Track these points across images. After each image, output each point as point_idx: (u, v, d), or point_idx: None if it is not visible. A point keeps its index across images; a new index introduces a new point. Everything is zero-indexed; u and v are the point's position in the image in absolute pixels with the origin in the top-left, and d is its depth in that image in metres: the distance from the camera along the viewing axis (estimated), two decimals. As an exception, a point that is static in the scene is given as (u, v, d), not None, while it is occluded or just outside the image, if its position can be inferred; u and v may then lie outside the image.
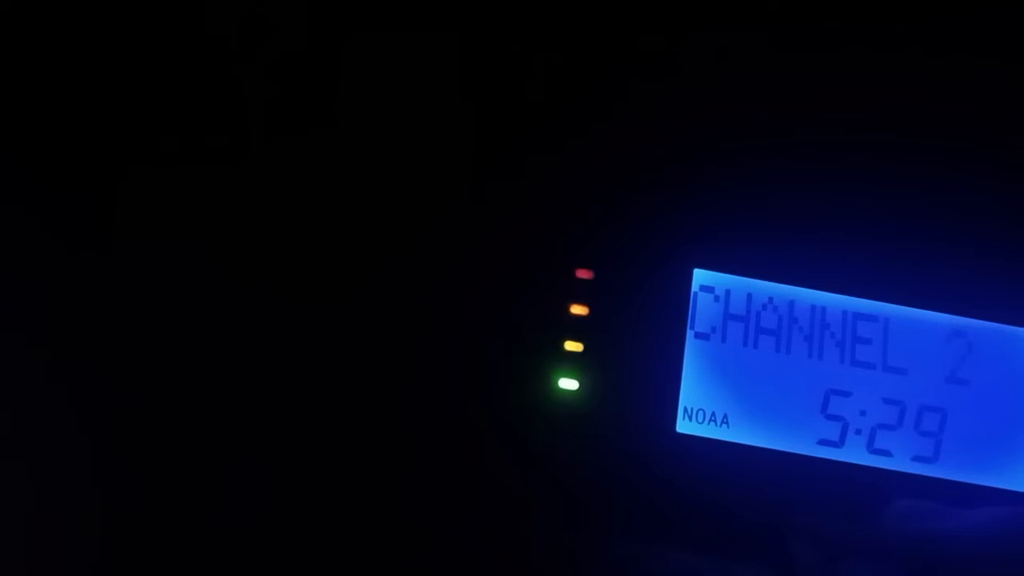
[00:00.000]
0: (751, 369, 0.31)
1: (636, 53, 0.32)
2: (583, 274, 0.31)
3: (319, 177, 0.30)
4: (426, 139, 0.31)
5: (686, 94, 0.32)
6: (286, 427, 0.29)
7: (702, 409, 0.30)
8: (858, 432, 0.30)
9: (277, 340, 0.29)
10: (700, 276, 0.31)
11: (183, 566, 0.28)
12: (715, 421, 0.30)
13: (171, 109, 0.30)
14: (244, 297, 0.30)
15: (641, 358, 0.31)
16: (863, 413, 0.30)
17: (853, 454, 0.30)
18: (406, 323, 0.30)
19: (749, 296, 0.31)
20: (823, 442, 0.30)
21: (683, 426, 0.30)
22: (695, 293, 0.31)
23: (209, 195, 0.30)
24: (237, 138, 0.30)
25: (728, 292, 0.31)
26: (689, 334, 0.31)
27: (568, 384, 0.30)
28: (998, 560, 0.27)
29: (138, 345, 0.29)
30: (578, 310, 0.31)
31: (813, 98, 0.31)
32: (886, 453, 0.30)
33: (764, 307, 0.31)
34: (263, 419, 0.29)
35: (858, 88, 0.31)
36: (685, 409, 0.30)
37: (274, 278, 0.30)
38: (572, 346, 0.31)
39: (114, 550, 0.28)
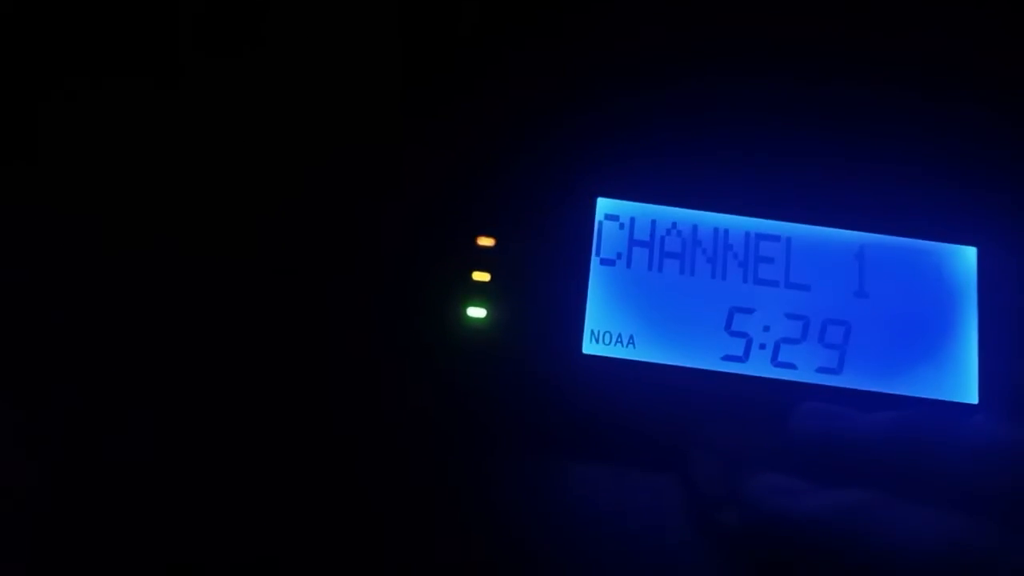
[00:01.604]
0: (656, 292, 0.32)
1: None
2: (489, 207, 0.32)
3: (239, 101, 0.32)
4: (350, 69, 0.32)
5: (581, 24, 0.33)
6: (203, 354, 0.30)
7: (608, 332, 0.31)
8: (762, 347, 0.31)
9: (194, 266, 0.30)
10: (604, 205, 0.32)
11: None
12: (621, 342, 0.31)
13: (99, 27, 0.32)
14: (163, 218, 0.31)
15: (547, 286, 0.31)
16: (767, 329, 0.31)
17: (758, 367, 0.31)
18: (317, 255, 0.31)
19: (653, 222, 0.32)
20: (728, 357, 0.31)
21: (589, 347, 0.31)
22: (600, 222, 0.32)
23: (134, 114, 0.31)
24: (165, 58, 0.31)
25: (632, 219, 0.32)
26: (594, 260, 0.32)
27: (476, 312, 0.31)
28: (896, 460, 0.28)
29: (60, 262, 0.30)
30: (485, 242, 0.32)
31: (705, 19, 0.32)
32: (790, 366, 0.31)
33: (668, 232, 0.32)
34: (185, 341, 0.30)
35: (752, 8, 0.32)
36: (592, 332, 0.31)
37: (193, 202, 0.31)
38: (480, 276, 0.31)
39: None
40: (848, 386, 0.31)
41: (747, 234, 0.32)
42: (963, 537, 0.24)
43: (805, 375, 0.31)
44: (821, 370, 0.31)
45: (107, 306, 0.31)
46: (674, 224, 0.32)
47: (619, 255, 0.32)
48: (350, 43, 0.33)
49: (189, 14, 0.33)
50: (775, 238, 0.32)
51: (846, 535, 0.25)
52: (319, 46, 0.33)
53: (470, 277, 0.31)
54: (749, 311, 0.31)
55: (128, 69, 0.32)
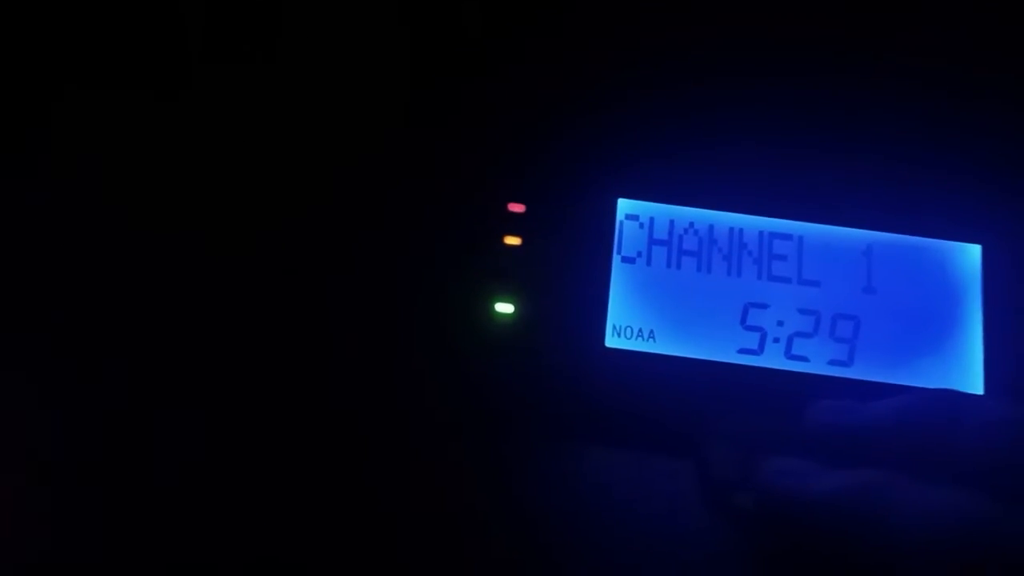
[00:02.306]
0: (675, 288, 0.33)
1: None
2: (516, 208, 0.34)
3: (255, 107, 0.33)
4: (361, 73, 0.34)
5: (604, 31, 0.34)
6: (228, 352, 0.32)
7: (629, 326, 0.33)
8: (776, 340, 0.33)
9: (216, 265, 0.32)
10: (624, 205, 0.34)
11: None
12: (642, 336, 0.33)
13: (111, 36, 0.33)
14: (182, 224, 0.32)
15: (572, 283, 0.33)
16: (780, 323, 0.33)
17: (772, 360, 0.32)
18: (348, 256, 0.33)
19: (671, 222, 0.34)
20: (743, 351, 0.33)
21: (612, 341, 0.33)
22: (620, 221, 0.34)
23: (145, 121, 0.33)
24: (176, 66, 0.33)
25: (652, 219, 0.34)
26: (616, 259, 0.33)
27: (505, 308, 0.33)
28: (902, 446, 0.29)
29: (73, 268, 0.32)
30: (512, 241, 0.33)
31: (717, 24, 0.34)
32: (803, 359, 0.32)
33: (686, 231, 0.34)
34: (202, 341, 0.32)
35: (761, 10, 0.34)
36: (614, 326, 0.33)
37: (215, 203, 0.33)
38: (507, 273, 0.33)
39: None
40: (858, 377, 0.32)
41: (761, 233, 0.33)
42: (970, 513, 0.25)
43: (817, 367, 0.32)
44: (832, 362, 0.32)
45: (123, 305, 0.32)
46: (691, 224, 0.34)
47: (639, 253, 0.33)
48: (362, 41, 0.34)
49: (198, 22, 0.34)
50: (787, 236, 0.33)
51: (856, 515, 0.26)
52: (330, 45, 0.34)
53: (497, 273, 0.33)
54: (763, 306, 0.33)
55: (136, 76, 0.33)
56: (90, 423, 0.31)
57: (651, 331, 0.33)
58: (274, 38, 0.34)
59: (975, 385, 0.32)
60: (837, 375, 0.32)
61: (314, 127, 0.34)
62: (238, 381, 0.32)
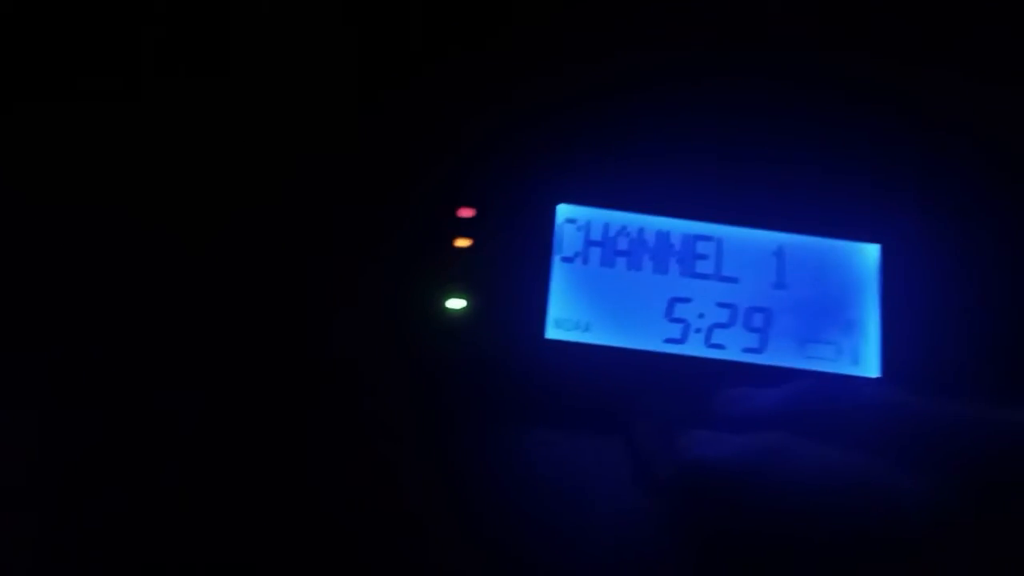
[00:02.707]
0: (609, 285, 0.37)
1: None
2: (465, 212, 0.37)
3: (205, 115, 0.36)
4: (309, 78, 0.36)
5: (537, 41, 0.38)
6: (182, 348, 0.35)
7: (568, 319, 0.37)
8: (697, 331, 0.37)
9: (168, 273, 0.35)
10: (564, 210, 0.37)
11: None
12: (579, 328, 0.37)
13: (60, 47, 0.35)
14: (137, 234, 0.35)
15: (516, 281, 0.37)
16: (701, 315, 0.37)
17: (693, 348, 0.36)
18: (301, 257, 0.36)
19: (606, 225, 0.37)
20: (668, 340, 0.37)
21: (552, 333, 0.36)
22: (560, 225, 0.37)
23: (95, 132, 0.35)
24: (126, 77, 0.35)
25: (589, 223, 0.38)
26: (556, 258, 0.37)
27: (456, 304, 0.37)
28: (805, 424, 0.33)
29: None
30: (462, 243, 0.37)
31: (643, 41, 0.37)
32: (721, 347, 0.37)
33: (619, 233, 0.37)
34: (155, 343, 0.34)
35: (685, 26, 0.37)
36: (554, 319, 0.37)
37: (165, 211, 0.35)
38: (457, 273, 0.37)
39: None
40: (769, 363, 0.36)
41: (685, 235, 0.37)
42: (860, 471, 0.29)
43: (733, 355, 0.36)
44: (747, 350, 0.37)
45: (63, 312, 0.35)
46: (624, 226, 0.37)
47: (577, 253, 0.37)
48: (310, 51, 0.37)
49: (151, 35, 0.36)
50: (708, 238, 0.37)
51: (759, 472, 0.29)
52: (277, 55, 0.37)
53: (448, 274, 0.37)
54: (686, 300, 0.37)
55: (86, 87, 0.35)
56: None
57: (587, 323, 0.37)
58: (225, 49, 0.36)
59: (872, 370, 0.37)
60: (750, 361, 0.36)
61: (262, 135, 0.36)
62: (194, 379, 0.34)
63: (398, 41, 0.37)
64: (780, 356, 0.37)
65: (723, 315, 0.37)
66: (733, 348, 0.37)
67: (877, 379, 0.36)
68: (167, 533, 0.32)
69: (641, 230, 0.37)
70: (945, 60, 0.39)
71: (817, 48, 0.38)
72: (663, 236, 0.37)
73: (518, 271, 0.37)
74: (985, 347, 0.37)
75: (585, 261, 0.37)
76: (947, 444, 0.30)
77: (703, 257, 0.37)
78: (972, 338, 0.37)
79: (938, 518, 0.28)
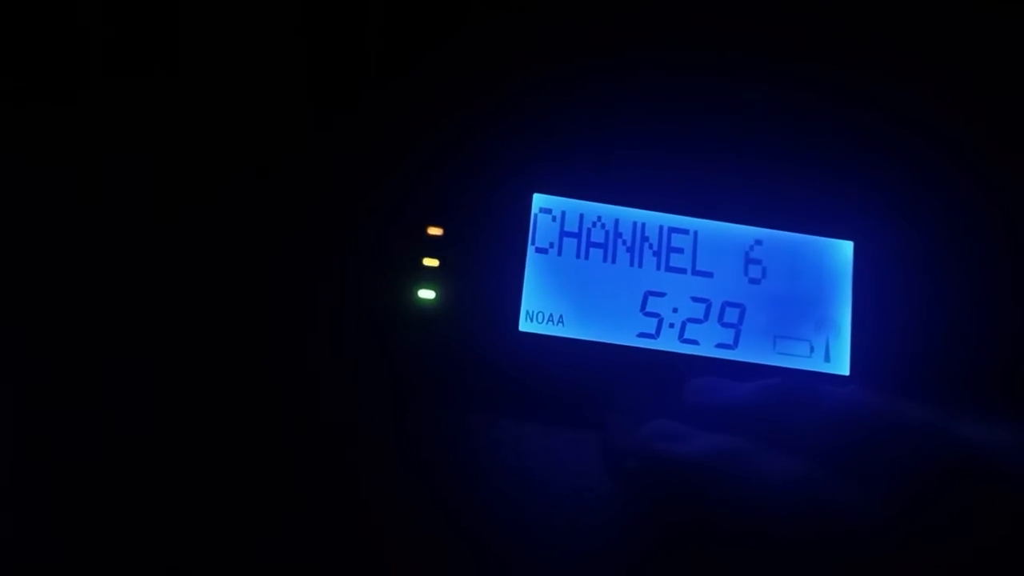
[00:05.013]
0: (583, 277, 0.36)
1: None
2: (439, 201, 0.36)
3: (161, 119, 0.35)
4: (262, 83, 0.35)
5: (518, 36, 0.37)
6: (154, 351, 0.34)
7: (541, 312, 0.36)
8: (671, 326, 0.36)
9: (126, 279, 0.34)
10: (539, 200, 0.37)
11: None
12: (552, 321, 0.36)
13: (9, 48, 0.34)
14: (91, 240, 0.34)
15: (489, 271, 0.36)
16: (675, 310, 0.36)
17: (667, 343, 0.36)
18: (271, 245, 0.35)
19: (581, 216, 0.37)
20: (642, 334, 0.36)
21: (525, 326, 0.36)
22: (535, 214, 0.37)
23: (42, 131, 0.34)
24: (75, 78, 0.34)
25: (564, 213, 0.37)
26: (530, 249, 0.36)
27: (427, 294, 0.36)
28: (772, 420, 0.33)
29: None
30: (435, 231, 0.36)
31: (620, 33, 0.37)
32: (694, 342, 0.36)
33: (594, 224, 0.37)
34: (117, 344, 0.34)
35: (662, 19, 0.37)
36: (527, 312, 0.36)
37: (123, 218, 0.34)
38: (430, 262, 0.36)
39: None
40: (742, 359, 0.36)
41: (661, 227, 0.37)
42: (816, 480, 0.29)
43: (706, 350, 0.36)
44: (720, 346, 0.36)
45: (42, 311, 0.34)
46: (599, 218, 0.37)
47: (551, 244, 0.37)
48: (264, 59, 0.36)
49: (100, 36, 0.35)
50: (684, 231, 0.37)
51: (719, 474, 0.30)
52: (233, 64, 0.36)
53: (421, 263, 0.36)
54: (661, 295, 0.36)
55: (33, 86, 0.34)
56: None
57: (561, 316, 0.36)
58: (176, 51, 0.35)
59: (843, 367, 0.37)
60: (723, 357, 0.36)
61: (221, 147, 0.35)
62: (164, 376, 0.34)
63: (373, 32, 0.36)
64: (753, 352, 0.36)
65: (698, 310, 0.37)
66: (706, 344, 0.36)
67: (846, 377, 0.37)
68: (141, 532, 0.31)
69: (617, 222, 0.37)
70: (917, 59, 0.39)
71: (792, 47, 0.38)
72: (639, 228, 0.37)
73: (492, 261, 0.36)
74: (955, 346, 0.37)
75: (560, 252, 0.37)
76: (907, 447, 0.30)
77: (679, 251, 0.37)
78: (942, 337, 0.37)
79: (887, 522, 0.28)
